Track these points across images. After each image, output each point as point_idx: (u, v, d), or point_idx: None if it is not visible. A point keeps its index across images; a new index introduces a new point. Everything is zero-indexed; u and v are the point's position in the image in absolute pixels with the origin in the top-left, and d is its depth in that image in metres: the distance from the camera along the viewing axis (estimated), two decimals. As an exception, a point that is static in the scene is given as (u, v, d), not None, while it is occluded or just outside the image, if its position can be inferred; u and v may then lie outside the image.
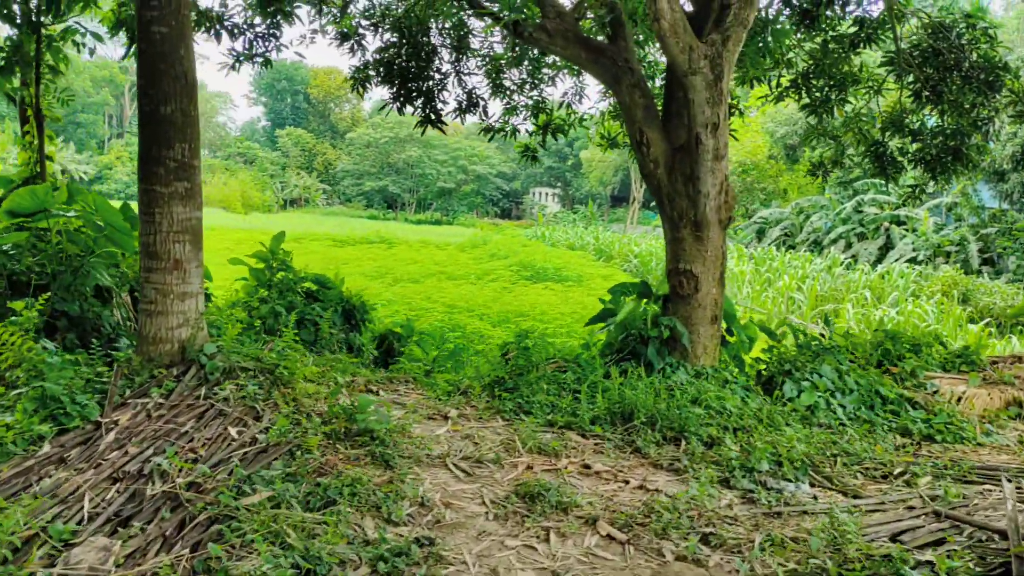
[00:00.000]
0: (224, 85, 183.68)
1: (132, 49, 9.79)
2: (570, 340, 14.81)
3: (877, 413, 6.77)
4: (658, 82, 12.66)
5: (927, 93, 10.87)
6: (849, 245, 36.26)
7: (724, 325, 7.90)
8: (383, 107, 11.59)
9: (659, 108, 8.41)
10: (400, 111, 11.46)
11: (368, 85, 11.91)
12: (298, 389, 5.54)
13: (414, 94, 11.64)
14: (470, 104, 11.91)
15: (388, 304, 16.29)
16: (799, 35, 11.57)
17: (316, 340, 7.47)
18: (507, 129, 12.02)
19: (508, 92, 12.36)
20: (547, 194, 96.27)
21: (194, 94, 5.82)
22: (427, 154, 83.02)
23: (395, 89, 11.38)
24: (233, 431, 5.04)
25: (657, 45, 12.03)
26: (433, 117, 11.47)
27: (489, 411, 6.40)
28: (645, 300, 7.77)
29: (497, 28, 10.45)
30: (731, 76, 7.50)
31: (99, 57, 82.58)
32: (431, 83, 11.68)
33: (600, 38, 9.66)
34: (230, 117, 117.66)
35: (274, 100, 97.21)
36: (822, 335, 8.15)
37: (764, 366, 7.61)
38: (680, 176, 7.60)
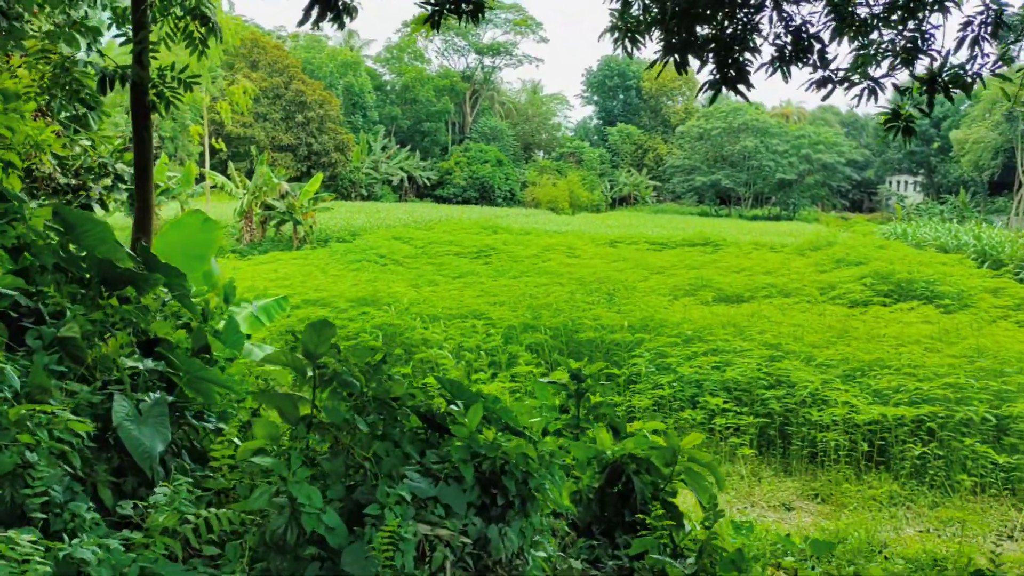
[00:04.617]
0: (560, 86, 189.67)
1: None
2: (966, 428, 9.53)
3: None
4: None
5: None
6: None
7: None
8: (699, 88, 7.47)
9: None
10: (681, 69, 7.35)
11: (639, 39, 7.99)
12: None
13: (705, 44, 7.48)
14: (797, 50, 7.40)
15: (685, 346, 12.11)
16: None
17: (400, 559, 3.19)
18: (853, 81, 7.20)
19: (862, 27, 7.62)
20: (906, 183, 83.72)
21: None
22: (764, 143, 76.15)
23: (672, 36, 7.30)
24: None
25: None
26: (732, 75, 7.17)
27: None
28: None
29: None
30: None
31: (442, 67, 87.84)
32: (733, 23, 7.44)
33: None
34: (566, 117, 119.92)
35: (604, 98, 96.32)
36: None
37: None
38: None
